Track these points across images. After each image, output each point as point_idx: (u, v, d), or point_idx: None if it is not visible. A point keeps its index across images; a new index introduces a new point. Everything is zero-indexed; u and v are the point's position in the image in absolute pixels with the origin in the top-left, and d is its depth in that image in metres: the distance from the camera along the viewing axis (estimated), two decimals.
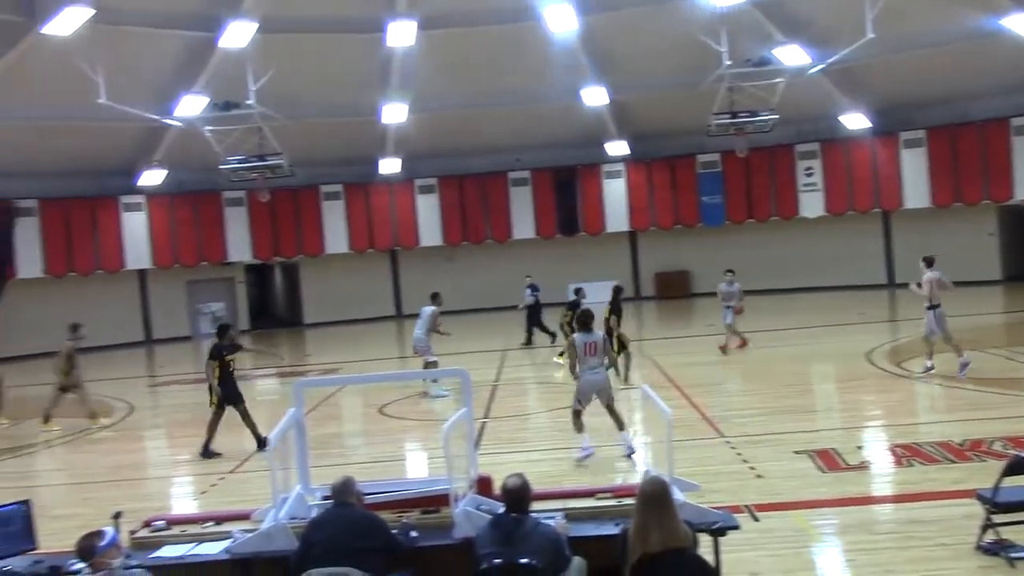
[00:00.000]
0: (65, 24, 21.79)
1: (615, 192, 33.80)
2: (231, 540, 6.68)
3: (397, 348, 26.55)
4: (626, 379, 16.16)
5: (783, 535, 8.11)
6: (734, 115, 25.84)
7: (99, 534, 5.76)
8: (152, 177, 30.98)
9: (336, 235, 33.70)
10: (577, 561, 5.94)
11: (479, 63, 28.38)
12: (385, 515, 6.61)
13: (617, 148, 33.08)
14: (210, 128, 26.67)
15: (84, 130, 27.36)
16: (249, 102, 24.97)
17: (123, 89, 23.68)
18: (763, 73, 25.96)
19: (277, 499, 6.83)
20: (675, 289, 33.92)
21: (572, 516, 6.68)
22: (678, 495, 6.39)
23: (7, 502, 6.97)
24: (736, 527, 6.56)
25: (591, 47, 28.92)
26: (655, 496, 5.33)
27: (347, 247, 33.83)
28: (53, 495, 11.85)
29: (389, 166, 33.16)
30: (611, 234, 34.03)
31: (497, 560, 5.69)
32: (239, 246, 33.03)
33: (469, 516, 6.48)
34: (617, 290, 17.07)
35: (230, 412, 13.23)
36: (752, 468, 10.34)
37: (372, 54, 27.79)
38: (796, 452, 10.83)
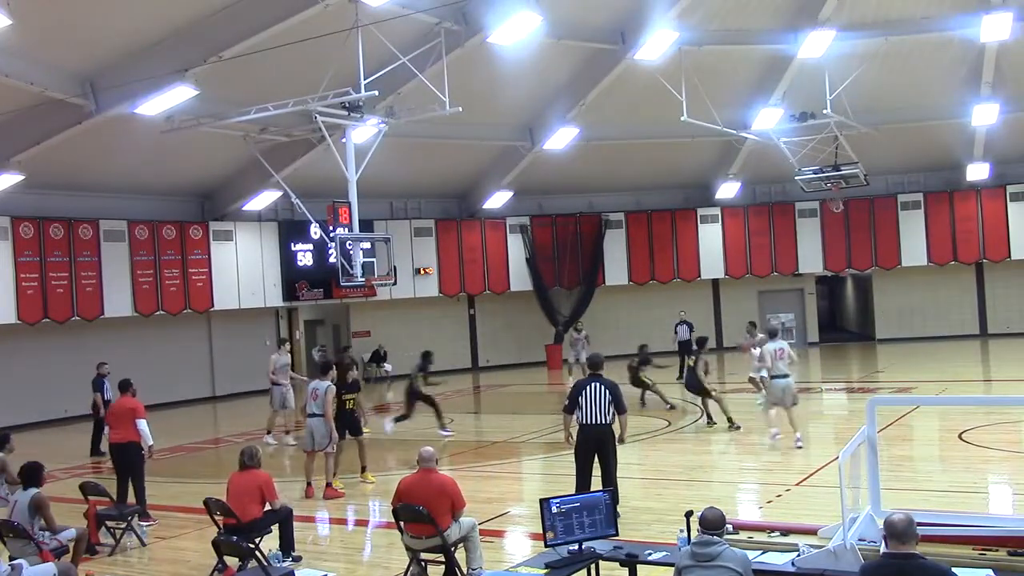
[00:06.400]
0: (653, 50, 23.36)
1: None
2: (796, 554, 6.66)
3: (979, 369, 24.43)
4: None
5: None
6: None
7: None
8: (727, 189, 32.03)
9: (914, 246, 31.92)
10: None
11: None
12: (962, 550, 6.12)
13: None
14: (785, 139, 26.87)
15: (667, 147, 29.09)
16: (825, 111, 24.67)
17: (703, 106, 24.74)
18: None
19: (846, 518, 6.66)
20: None
21: None
22: None
23: (595, 491, 7.66)
24: None
25: None
26: None
27: (926, 259, 31.90)
28: (630, 487, 12.72)
29: (976, 172, 30.61)
30: None
31: None
32: (810, 257, 32.76)
33: None
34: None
35: None
36: None
37: (960, 52, 25.83)
38: None
